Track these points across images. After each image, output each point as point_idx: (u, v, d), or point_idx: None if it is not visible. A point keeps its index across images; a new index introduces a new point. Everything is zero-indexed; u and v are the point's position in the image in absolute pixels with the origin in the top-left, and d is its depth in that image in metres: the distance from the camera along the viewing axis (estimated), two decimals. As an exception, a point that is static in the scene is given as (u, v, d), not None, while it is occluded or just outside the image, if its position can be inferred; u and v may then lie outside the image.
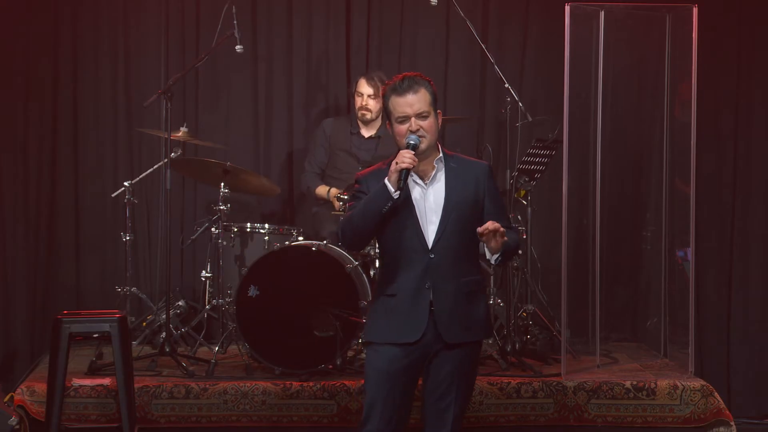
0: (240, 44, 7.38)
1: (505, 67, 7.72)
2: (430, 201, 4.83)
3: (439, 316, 4.79)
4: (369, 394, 4.85)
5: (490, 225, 4.65)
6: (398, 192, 4.70)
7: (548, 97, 8.18)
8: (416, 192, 4.84)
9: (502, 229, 4.68)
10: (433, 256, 4.78)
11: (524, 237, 7.51)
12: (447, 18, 8.38)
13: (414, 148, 4.72)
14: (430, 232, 4.80)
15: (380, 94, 7.45)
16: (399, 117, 4.80)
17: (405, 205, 4.79)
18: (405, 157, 4.67)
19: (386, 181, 4.70)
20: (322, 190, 7.72)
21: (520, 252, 7.36)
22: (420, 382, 4.95)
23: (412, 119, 4.77)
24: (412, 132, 4.76)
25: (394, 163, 4.70)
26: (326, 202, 7.66)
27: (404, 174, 4.69)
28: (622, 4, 7.07)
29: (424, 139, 4.78)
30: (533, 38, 8.48)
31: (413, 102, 4.78)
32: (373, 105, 7.70)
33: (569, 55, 6.68)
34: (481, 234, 4.66)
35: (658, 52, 7.29)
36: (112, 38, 8.30)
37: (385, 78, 7.44)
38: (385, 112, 4.90)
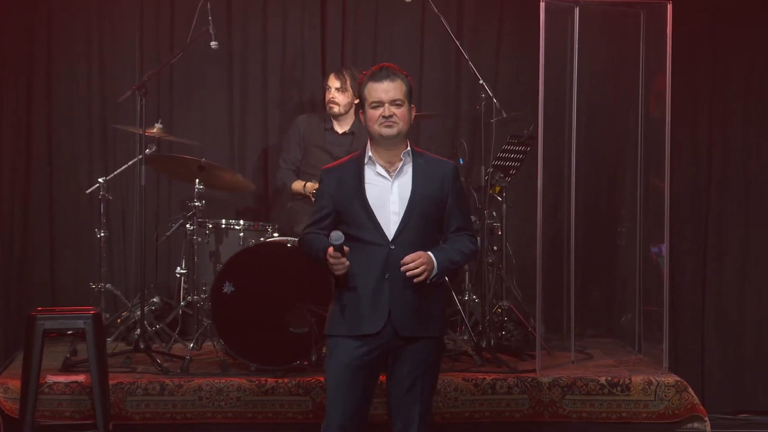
0: (215, 40, 7.34)
1: (480, 64, 7.72)
2: (394, 193, 4.84)
3: (396, 308, 4.80)
4: (330, 388, 4.87)
5: (411, 264, 4.73)
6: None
7: (523, 94, 8.18)
8: (379, 184, 4.85)
9: (418, 271, 4.72)
10: (393, 247, 4.79)
11: (499, 233, 7.52)
12: (422, 14, 8.38)
13: (338, 248, 4.70)
14: (392, 224, 4.82)
15: (349, 88, 7.57)
16: (373, 102, 4.84)
17: (360, 202, 4.82)
18: (337, 266, 4.73)
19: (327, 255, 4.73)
20: (298, 185, 7.71)
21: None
22: (383, 379, 4.94)
23: (386, 105, 4.81)
24: (384, 117, 4.80)
25: (330, 264, 4.74)
26: (303, 197, 7.65)
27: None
28: (596, 1, 7.09)
29: (396, 125, 4.81)
30: (508, 34, 8.49)
31: (389, 89, 4.82)
32: (341, 99, 7.68)
33: (544, 52, 6.68)
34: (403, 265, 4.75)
35: (633, 48, 7.32)
36: (86, 34, 8.28)
37: (356, 73, 7.46)
38: (360, 99, 4.94)
